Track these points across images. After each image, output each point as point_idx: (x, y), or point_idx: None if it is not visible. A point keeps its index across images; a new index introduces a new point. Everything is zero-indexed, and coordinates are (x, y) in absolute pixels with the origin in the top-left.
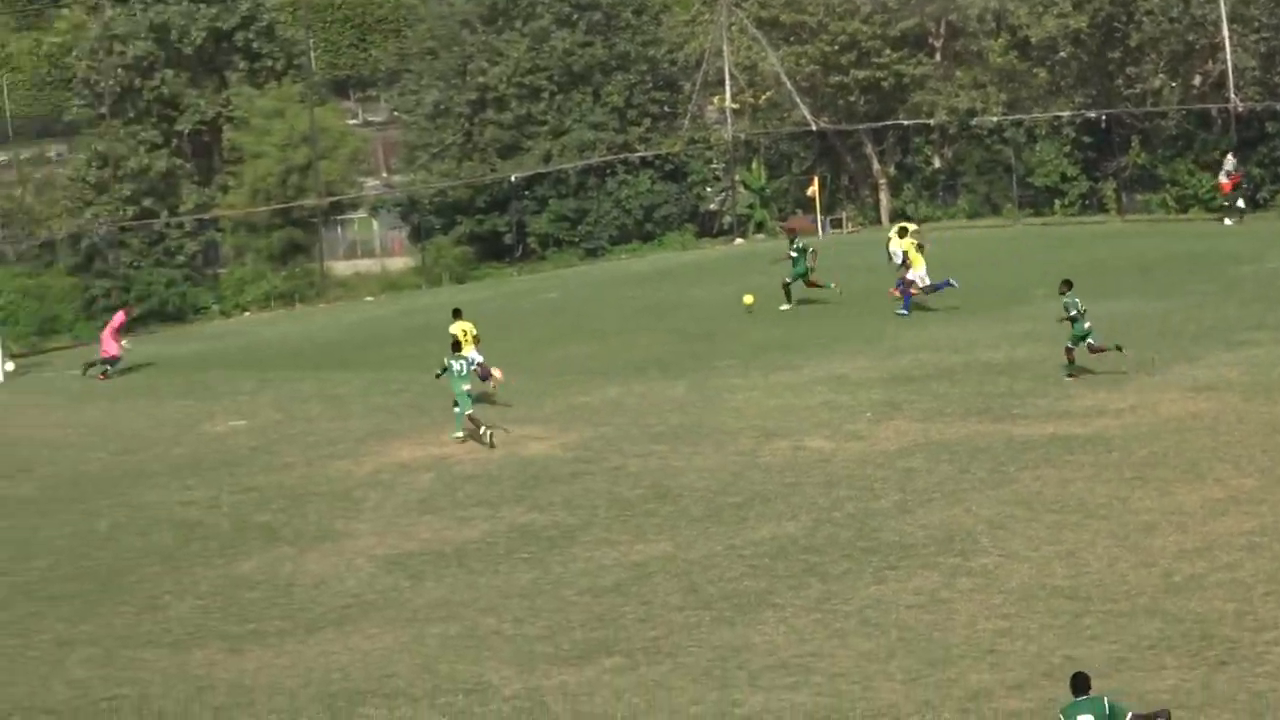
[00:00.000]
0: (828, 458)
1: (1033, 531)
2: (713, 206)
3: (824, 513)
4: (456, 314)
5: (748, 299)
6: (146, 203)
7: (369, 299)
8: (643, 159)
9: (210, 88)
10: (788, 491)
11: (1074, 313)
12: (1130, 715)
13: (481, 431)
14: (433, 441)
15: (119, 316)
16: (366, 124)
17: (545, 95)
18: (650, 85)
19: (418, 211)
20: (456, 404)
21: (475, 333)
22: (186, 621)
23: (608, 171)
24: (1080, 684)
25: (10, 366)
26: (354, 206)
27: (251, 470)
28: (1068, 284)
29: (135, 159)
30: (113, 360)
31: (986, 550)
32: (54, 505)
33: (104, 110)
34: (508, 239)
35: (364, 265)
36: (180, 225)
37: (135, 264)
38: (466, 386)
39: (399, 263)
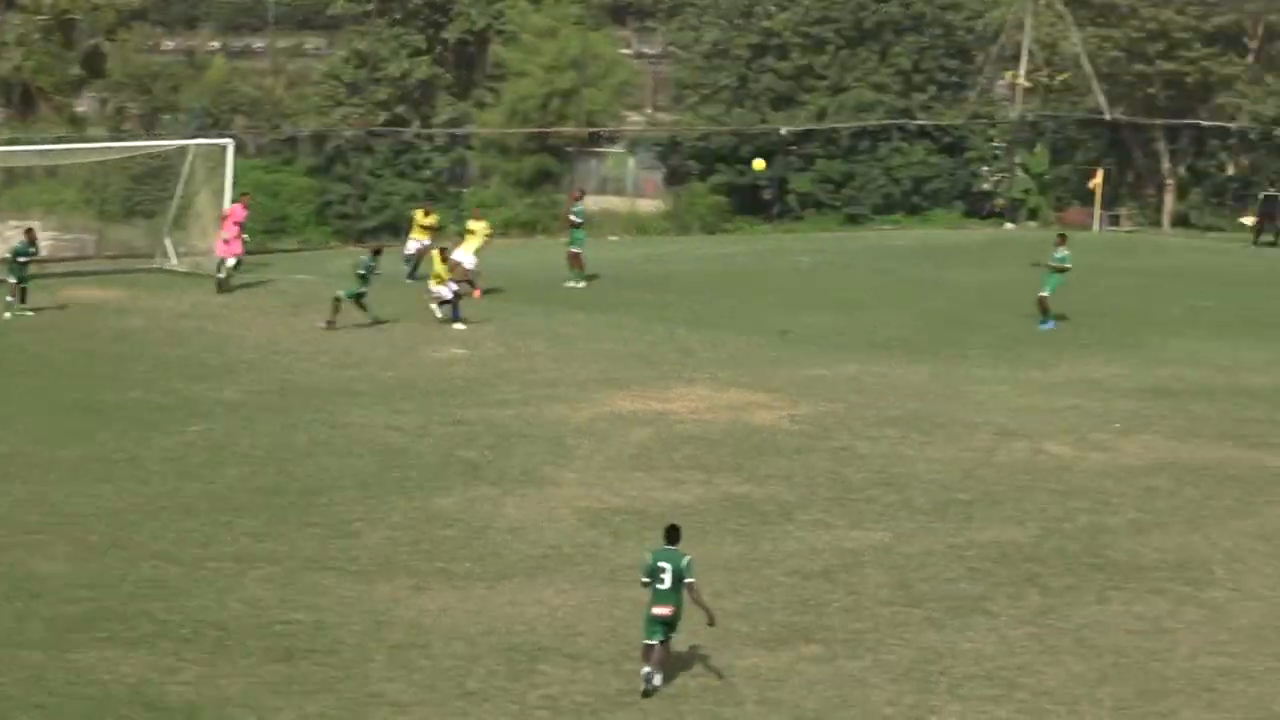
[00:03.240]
0: (1067, 465)
1: (1272, 568)
2: (986, 186)
3: (1054, 523)
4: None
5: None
6: (399, 110)
7: (613, 238)
8: (921, 128)
9: None
10: (1019, 495)
11: None
12: (692, 582)
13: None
14: (656, 396)
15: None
16: (639, 55)
17: (830, 49)
18: (941, 51)
19: (678, 154)
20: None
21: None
22: (375, 551)
23: (882, 137)
24: (673, 535)
25: (175, 261)
26: (611, 141)
27: (464, 402)
28: None
29: (395, 63)
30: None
31: (1220, 583)
32: (255, 413)
33: (370, 7)
34: (767, 194)
35: (613, 203)
36: (430, 138)
37: (377, 172)
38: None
39: (649, 205)
